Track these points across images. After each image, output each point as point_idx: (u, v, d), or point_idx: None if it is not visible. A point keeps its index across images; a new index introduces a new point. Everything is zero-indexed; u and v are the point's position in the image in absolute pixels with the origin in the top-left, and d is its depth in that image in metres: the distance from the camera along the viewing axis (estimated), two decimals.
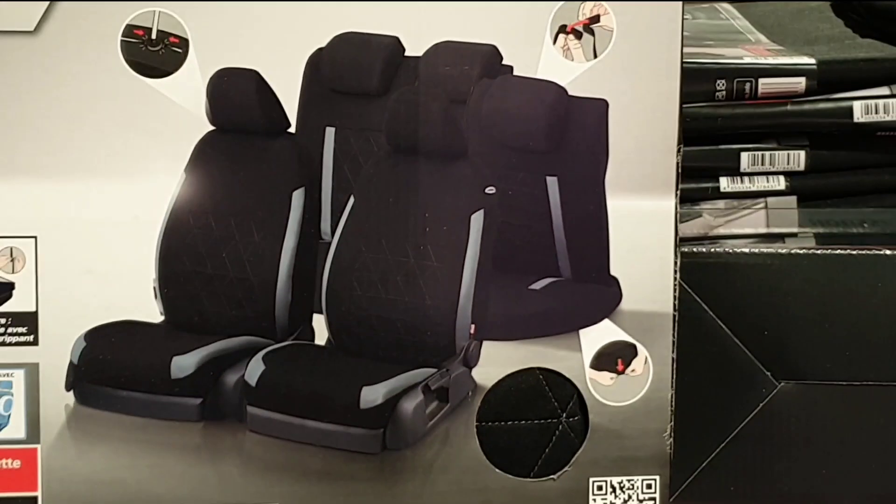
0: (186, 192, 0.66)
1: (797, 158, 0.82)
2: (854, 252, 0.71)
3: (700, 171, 0.82)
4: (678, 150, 0.66)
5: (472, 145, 0.66)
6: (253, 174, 0.67)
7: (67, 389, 0.65)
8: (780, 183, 0.83)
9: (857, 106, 0.81)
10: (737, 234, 0.78)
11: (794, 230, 0.79)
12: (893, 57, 0.82)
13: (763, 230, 0.80)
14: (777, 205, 0.83)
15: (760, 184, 0.83)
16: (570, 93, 0.66)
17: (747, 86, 0.81)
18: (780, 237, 0.78)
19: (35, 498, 0.65)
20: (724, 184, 0.83)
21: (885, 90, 0.81)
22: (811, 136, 0.82)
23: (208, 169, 0.66)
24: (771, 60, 0.81)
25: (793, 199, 0.83)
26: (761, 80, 0.81)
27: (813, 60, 0.81)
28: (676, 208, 0.67)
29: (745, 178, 0.83)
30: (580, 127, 0.67)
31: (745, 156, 0.82)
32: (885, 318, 0.70)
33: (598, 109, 0.66)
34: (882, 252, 0.70)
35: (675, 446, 0.67)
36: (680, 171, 0.67)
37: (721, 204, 0.83)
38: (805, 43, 0.85)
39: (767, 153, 0.82)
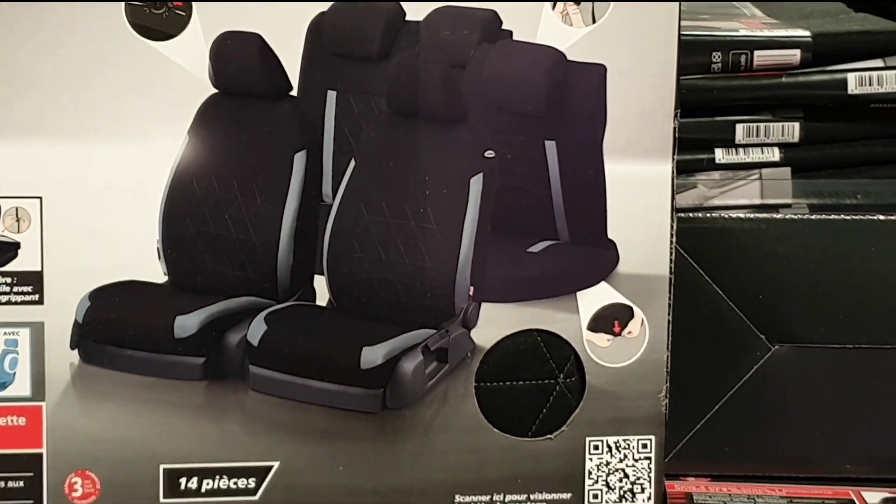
0: (190, 155, 0.66)
1: (791, 130, 0.83)
2: (848, 218, 0.72)
3: (695, 142, 0.83)
4: (675, 116, 0.67)
5: (471, 109, 0.67)
6: (255, 137, 0.68)
7: (72, 348, 0.66)
8: (775, 154, 0.83)
9: (852, 78, 0.81)
10: (731, 205, 0.79)
11: (788, 201, 0.80)
12: (887, 30, 0.83)
13: (757, 201, 0.81)
14: (771, 176, 0.83)
15: (755, 155, 0.83)
16: (569, 58, 0.67)
17: (743, 58, 0.82)
18: (774, 208, 0.78)
19: (40, 455, 0.66)
20: (719, 155, 0.83)
21: (878, 62, 0.82)
22: (805, 107, 0.83)
23: (211, 131, 0.67)
24: (766, 33, 0.82)
25: (787, 171, 0.84)
26: (756, 53, 0.82)
27: (808, 33, 0.82)
28: (673, 173, 0.68)
29: (740, 150, 0.84)
30: (579, 92, 0.68)
31: (739, 127, 0.83)
32: (878, 282, 0.71)
33: (596, 74, 0.67)
34: (875, 218, 0.71)
35: (670, 408, 0.68)
36: (677, 136, 0.67)
37: (716, 175, 0.83)
38: (800, 17, 0.86)
39: (762, 125, 0.83)
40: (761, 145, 0.83)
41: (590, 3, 0.66)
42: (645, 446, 0.69)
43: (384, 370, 0.66)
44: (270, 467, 0.67)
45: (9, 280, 0.65)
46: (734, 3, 0.92)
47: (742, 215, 0.72)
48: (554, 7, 0.66)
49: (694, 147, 0.83)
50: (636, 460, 0.69)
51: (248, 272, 0.68)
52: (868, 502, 0.71)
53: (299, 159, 0.68)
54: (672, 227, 0.68)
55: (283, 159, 0.68)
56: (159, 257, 0.67)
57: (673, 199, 0.68)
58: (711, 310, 0.71)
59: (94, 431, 0.66)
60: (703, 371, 0.72)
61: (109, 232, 0.65)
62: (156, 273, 0.67)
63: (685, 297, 0.69)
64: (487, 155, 0.67)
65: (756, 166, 0.83)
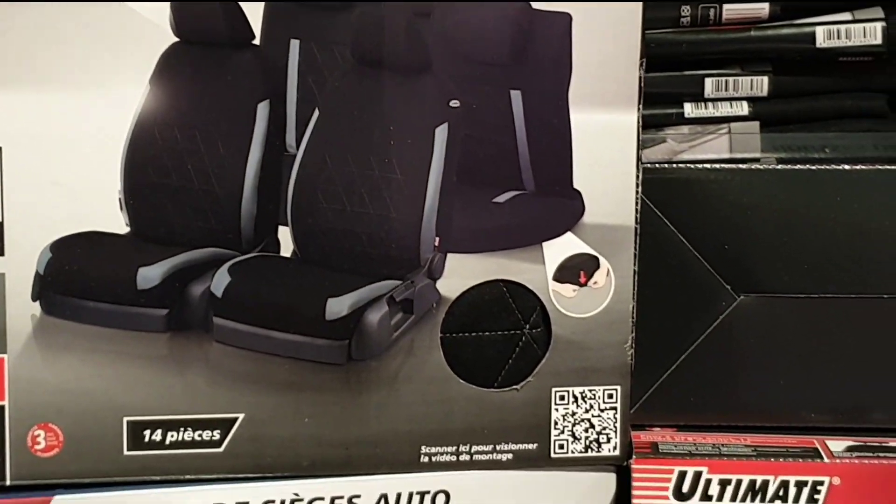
0: (151, 104, 0.66)
1: (760, 84, 0.83)
2: (813, 168, 0.72)
3: (664, 96, 0.83)
4: (641, 64, 0.67)
5: (436, 59, 0.67)
6: (218, 86, 0.67)
7: (34, 300, 0.65)
8: (744, 108, 0.83)
9: (820, 31, 0.81)
10: (700, 159, 0.79)
11: (757, 155, 0.80)
12: None
13: (726, 155, 0.81)
14: (740, 130, 0.83)
15: (724, 109, 0.83)
16: (534, 6, 0.66)
17: (711, 11, 0.82)
18: (742, 162, 0.78)
19: (2, 407, 0.65)
20: (688, 109, 0.83)
21: (847, 16, 0.82)
22: (774, 61, 0.83)
23: (173, 81, 0.66)
24: None
25: (756, 125, 0.84)
26: (725, 6, 0.82)
27: None
28: (639, 122, 0.67)
29: (709, 104, 0.84)
30: (544, 40, 0.67)
31: (708, 81, 0.83)
32: (844, 231, 0.71)
33: (561, 23, 0.66)
34: (841, 168, 0.71)
35: (635, 358, 0.68)
36: (642, 85, 0.67)
37: (685, 129, 0.83)
38: None
39: (731, 79, 0.83)
40: (730, 99, 0.83)
41: None
42: (611, 396, 0.69)
43: (349, 321, 0.66)
44: (235, 419, 0.67)
45: None
46: None
47: (708, 166, 0.72)
48: None
49: (663, 101, 0.83)
50: (602, 410, 0.69)
51: (211, 223, 0.67)
52: (832, 451, 0.71)
53: (262, 109, 0.68)
54: (638, 176, 0.67)
55: (246, 109, 0.67)
56: (121, 208, 0.66)
57: (639, 148, 0.67)
58: (677, 260, 0.71)
59: (56, 383, 0.65)
60: (668, 321, 0.72)
61: (71, 182, 0.65)
62: (118, 224, 0.66)
63: (651, 248, 0.69)
64: (452, 104, 0.67)
65: (725, 120, 0.83)
